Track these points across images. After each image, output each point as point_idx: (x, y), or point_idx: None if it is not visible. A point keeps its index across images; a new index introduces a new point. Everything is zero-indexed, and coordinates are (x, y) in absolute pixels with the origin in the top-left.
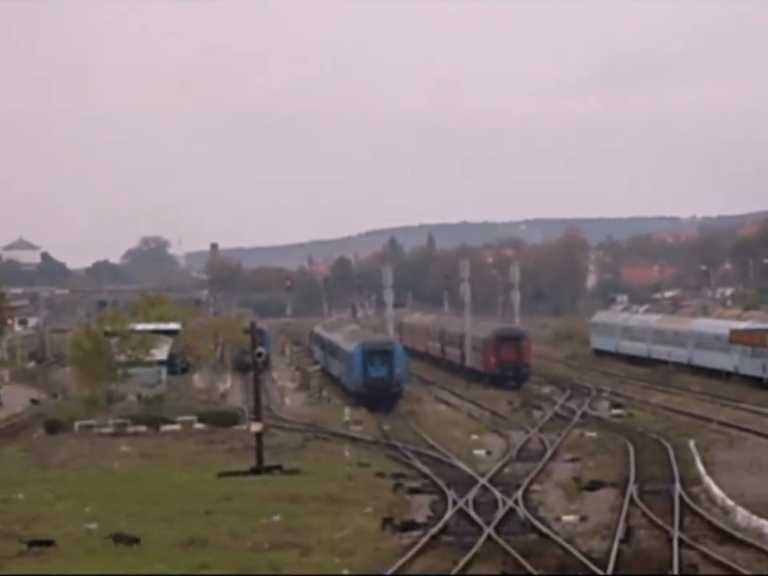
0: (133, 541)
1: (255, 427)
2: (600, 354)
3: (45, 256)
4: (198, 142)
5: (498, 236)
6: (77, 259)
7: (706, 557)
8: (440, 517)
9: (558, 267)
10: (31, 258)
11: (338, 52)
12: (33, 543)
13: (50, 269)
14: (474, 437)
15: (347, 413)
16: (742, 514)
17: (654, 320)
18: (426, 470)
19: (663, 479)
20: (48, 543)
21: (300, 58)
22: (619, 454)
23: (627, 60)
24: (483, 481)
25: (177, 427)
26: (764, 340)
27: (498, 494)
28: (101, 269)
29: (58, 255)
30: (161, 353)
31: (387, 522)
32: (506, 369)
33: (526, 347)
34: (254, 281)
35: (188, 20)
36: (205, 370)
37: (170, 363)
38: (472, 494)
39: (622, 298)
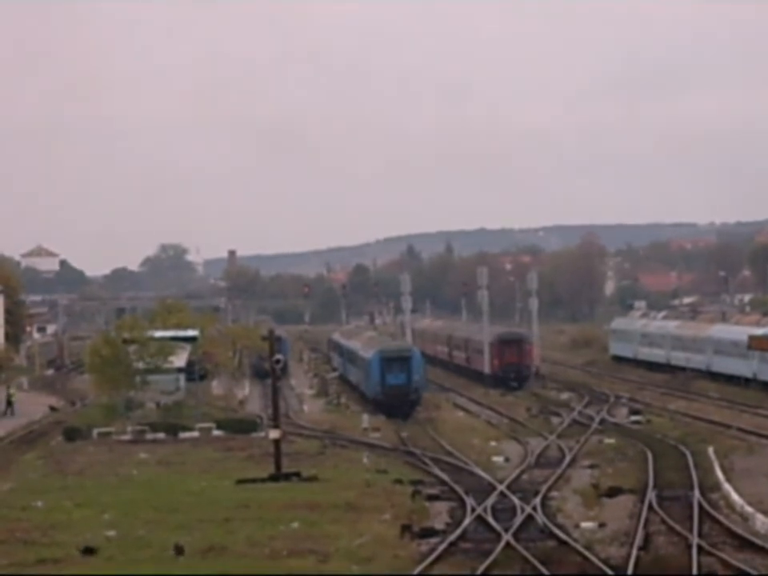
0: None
1: (273, 434)
2: (618, 360)
3: (63, 263)
4: (215, 150)
5: (516, 243)
6: (95, 267)
7: (725, 563)
8: (458, 523)
9: (575, 274)
10: (50, 265)
11: (352, 61)
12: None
13: (69, 276)
14: (493, 443)
15: (365, 419)
16: (761, 521)
17: (673, 326)
18: (444, 476)
19: (682, 486)
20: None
21: (316, 67)
22: (638, 460)
23: (644, 66)
24: (502, 487)
25: (195, 434)
26: None
27: (516, 500)
28: (119, 276)
29: (76, 263)
30: (179, 360)
31: (406, 528)
32: (508, 370)
33: (527, 350)
34: (272, 288)
35: (206, 30)
36: (223, 377)
37: (189, 370)
38: (490, 501)
39: (641, 305)
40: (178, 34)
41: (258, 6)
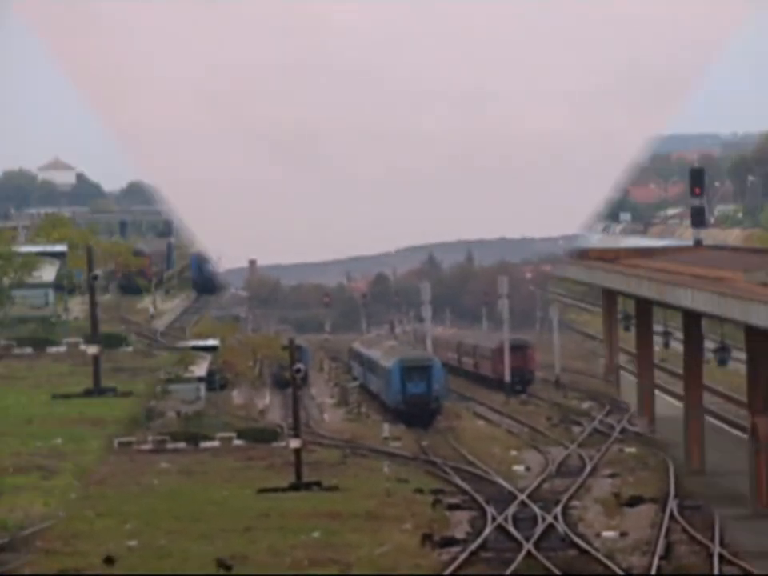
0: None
1: (294, 443)
2: None
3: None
4: (235, 158)
5: (537, 252)
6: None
7: (746, 573)
8: (479, 533)
9: None
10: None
11: (368, 68)
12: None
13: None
14: (513, 452)
15: (386, 429)
16: None
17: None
18: (465, 485)
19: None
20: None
21: (331, 75)
22: (659, 469)
23: (663, 75)
24: (522, 497)
25: (216, 444)
26: None
27: (537, 509)
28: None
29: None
30: (200, 369)
31: (427, 538)
32: (513, 375)
33: (530, 356)
34: (293, 297)
35: (222, 37)
36: (243, 386)
37: (209, 380)
38: (511, 510)
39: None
40: (195, 41)
41: (281, 17)
